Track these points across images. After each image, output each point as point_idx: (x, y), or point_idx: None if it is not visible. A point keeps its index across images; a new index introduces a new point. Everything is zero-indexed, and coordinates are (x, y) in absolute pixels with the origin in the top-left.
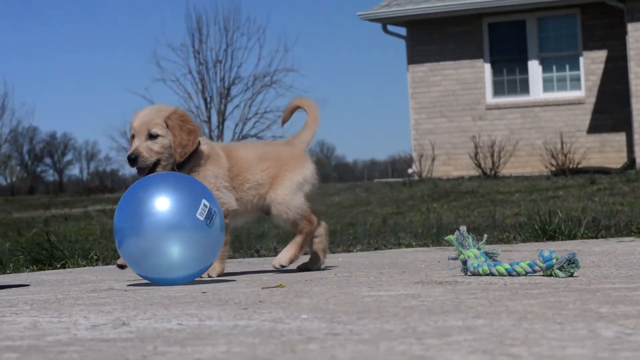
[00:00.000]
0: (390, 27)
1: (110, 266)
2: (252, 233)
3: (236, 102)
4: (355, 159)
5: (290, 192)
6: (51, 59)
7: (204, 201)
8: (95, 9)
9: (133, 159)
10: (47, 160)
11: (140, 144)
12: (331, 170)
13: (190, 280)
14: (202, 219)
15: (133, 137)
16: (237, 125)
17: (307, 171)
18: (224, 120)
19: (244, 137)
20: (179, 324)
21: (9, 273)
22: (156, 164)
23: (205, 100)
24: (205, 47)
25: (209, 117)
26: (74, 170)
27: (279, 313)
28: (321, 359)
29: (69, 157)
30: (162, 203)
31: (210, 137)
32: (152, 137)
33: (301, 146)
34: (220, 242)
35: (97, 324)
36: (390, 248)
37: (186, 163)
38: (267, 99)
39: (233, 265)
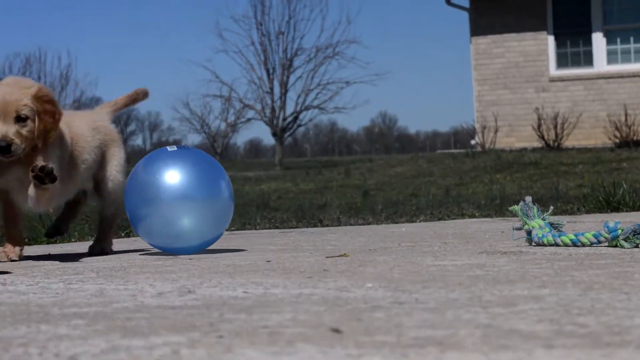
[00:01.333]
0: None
1: None
2: (314, 203)
3: (298, 73)
4: (417, 130)
5: (121, 172)
6: (114, 30)
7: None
8: None
9: (4, 148)
10: None
11: (9, 129)
12: (393, 141)
13: (202, 249)
14: (176, 148)
15: None
16: (299, 96)
17: (124, 152)
18: (286, 91)
19: (307, 108)
20: (245, 292)
21: (74, 242)
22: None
23: (267, 71)
24: (268, 19)
25: (272, 88)
26: (137, 141)
27: (344, 282)
28: (387, 326)
29: (132, 127)
30: (172, 176)
31: (273, 108)
32: (20, 119)
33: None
34: (230, 210)
35: (162, 292)
36: (454, 218)
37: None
38: (330, 70)
39: (296, 234)
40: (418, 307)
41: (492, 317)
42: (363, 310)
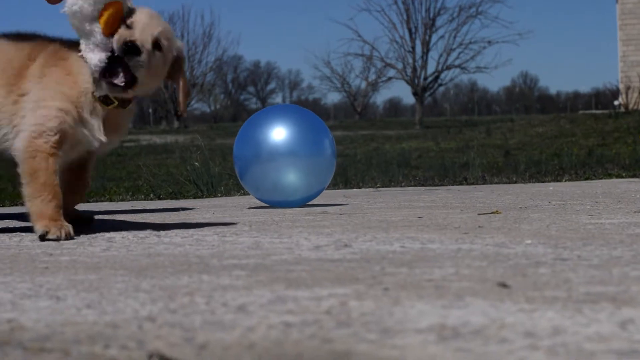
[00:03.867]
0: None
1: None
2: (456, 162)
3: (441, 32)
4: (558, 91)
5: None
6: None
7: None
8: None
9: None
10: (251, 89)
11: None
12: (534, 102)
13: (306, 202)
14: None
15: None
16: (440, 55)
17: None
18: (428, 50)
19: (448, 68)
20: (402, 246)
21: (220, 196)
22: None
23: (409, 30)
24: None
25: (413, 48)
26: (277, 99)
27: (501, 238)
28: (555, 282)
29: (272, 85)
30: (279, 133)
31: (414, 67)
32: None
33: None
34: (332, 166)
35: (319, 245)
36: (600, 178)
37: None
38: (472, 30)
39: (443, 192)
40: (582, 263)
41: None
42: (526, 265)
